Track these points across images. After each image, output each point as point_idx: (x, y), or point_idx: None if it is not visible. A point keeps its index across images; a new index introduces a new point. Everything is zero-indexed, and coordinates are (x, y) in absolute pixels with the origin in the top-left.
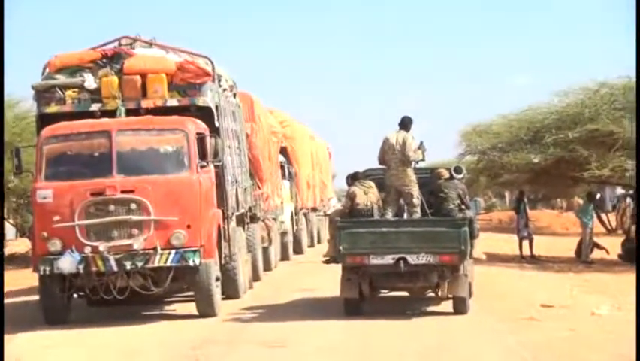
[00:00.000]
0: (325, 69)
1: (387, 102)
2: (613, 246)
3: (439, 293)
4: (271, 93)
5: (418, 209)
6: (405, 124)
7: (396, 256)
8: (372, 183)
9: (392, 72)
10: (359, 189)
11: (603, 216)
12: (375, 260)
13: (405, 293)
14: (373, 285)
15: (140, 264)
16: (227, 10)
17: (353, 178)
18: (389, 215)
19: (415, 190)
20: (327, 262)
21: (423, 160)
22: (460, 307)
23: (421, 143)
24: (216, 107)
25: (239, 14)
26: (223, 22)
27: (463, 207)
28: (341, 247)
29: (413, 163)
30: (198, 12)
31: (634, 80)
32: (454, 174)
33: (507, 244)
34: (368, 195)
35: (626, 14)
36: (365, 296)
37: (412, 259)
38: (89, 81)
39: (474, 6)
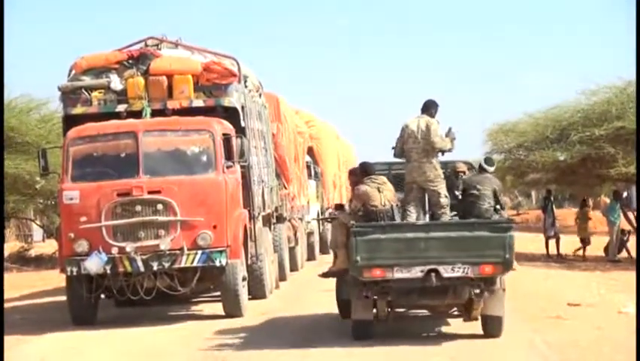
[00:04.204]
0: (346, 71)
1: (407, 102)
2: None
3: (473, 312)
4: (296, 93)
5: (447, 210)
6: (428, 108)
7: (426, 268)
8: (384, 179)
9: (408, 72)
10: (371, 188)
11: (630, 214)
12: (399, 273)
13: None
14: (391, 303)
15: (166, 264)
16: (252, 11)
17: (362, 173)
18: (412, 217)
19: (443, 188)
20: (325, 275)
21: (451, 150)
22: (493, 328)
23: (449, 129)
24: (242, 107)
25: (263, 16)
26: (248, 23)
27: (498, 207)
28: (358, 258)
29: (439, 154)
30: (223, 13)
31: None
32: (486, 167)
33: (533, 243)
34: (384, 194)
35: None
36: (380, 317)
37: (446, 271)
38: (115, 82)
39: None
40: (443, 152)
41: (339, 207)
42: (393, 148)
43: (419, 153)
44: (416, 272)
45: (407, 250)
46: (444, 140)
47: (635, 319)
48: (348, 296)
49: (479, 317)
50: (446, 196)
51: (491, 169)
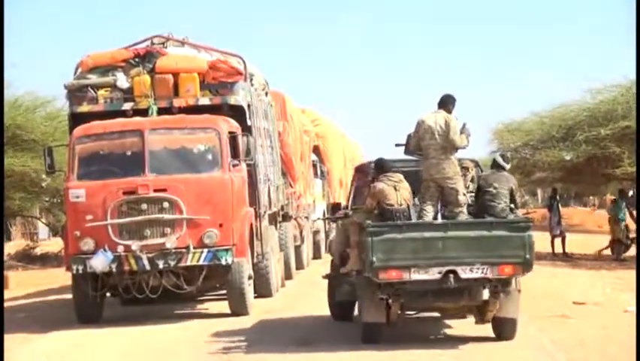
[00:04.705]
0: (350, 68)
1: (412, 101)
2: None
3: (487, 314)
4: (302, 91)
5: (465, 209)
6: (445, 103)
7: (444, 269)
8: (400, 177)
9: (412, 71)
10: (387, 185)
11: (635, 213)
12: (417, 275)
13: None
14: (403, 305)
15: (172, 263)
16: (257, 9)
17: (378, 170)
18: (429, 216)
19: (461, 185)
20: (328, 277)
21: (465, 147)
22: (507, 331)
23: (464, 125)
24: (248, 105)
25: (269, 13)
26: (253, 21)
27: (512, 206)
28: (374, 258)
29: (454, 151)
30: (229, 12)
31: None
32: (503, 163)
33: (539, 241)
34: (400, 192)
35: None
36: (392, 320)
37: (464, 273)
38: (122, 80)
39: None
40: (457, 149)
41: (336, 206)
42: (397, 145)
43: (437, 150)
44: (434, 273)
45: (425, 250)
46: (462, 138)
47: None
48: (342, 298)
49: (490, 320)
50: (464, 194)
51: (508, 166)
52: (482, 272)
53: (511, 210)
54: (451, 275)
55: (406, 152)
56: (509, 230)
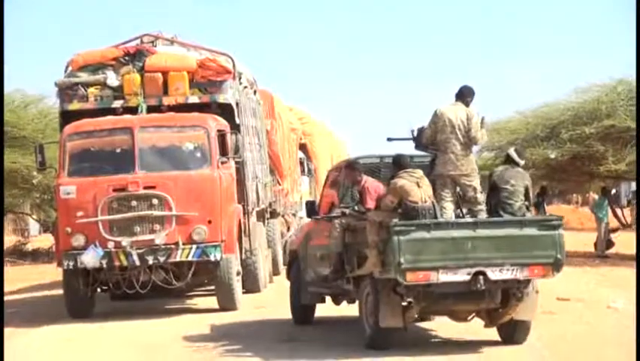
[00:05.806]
0: (341, 67)
1: (400, 99)
2: (629, 240)
3: (504, 317)
4: (289, 88)
5: (484, 207)
6: (463, 95)
7: (473, 270)
8: (421, 173)
9: (403, 69)
10: (409, 182)
11: (618, 211)
12: (445, 276)
13: None
14: (422, 309)
15: (162, 258)
16: (246, 6)
17: (397, 167)
18: (448, 214)
19: (477, 183)
20: (326, 280)
21: (479, 143)
22: (520, 334)
23: (482, 119)
24: (237, 104)
25: (258, 11)
26: (242, 18)
27: (527, 203)
28: (402, 259)
29: (472, 147)
30: (218, 9)
31: None
32: (518, 160)
33: None
34: (423, 189)
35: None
36: (407, 324)
37: (494, 274)
38: (111, 78)
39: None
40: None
41: (311, 205)
42: (389, 139)
43: (456, 145)
44: (463, 275)
45: (454, 250)
46: (483, 133)
47: (624, 313)
48: (306, 301)
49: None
50: (481, 192)
51: (522, 162)
52: (512, 273)
53: (527, 208)
54: (481, 277)
55: (417, 146)
56: (540, 228)
